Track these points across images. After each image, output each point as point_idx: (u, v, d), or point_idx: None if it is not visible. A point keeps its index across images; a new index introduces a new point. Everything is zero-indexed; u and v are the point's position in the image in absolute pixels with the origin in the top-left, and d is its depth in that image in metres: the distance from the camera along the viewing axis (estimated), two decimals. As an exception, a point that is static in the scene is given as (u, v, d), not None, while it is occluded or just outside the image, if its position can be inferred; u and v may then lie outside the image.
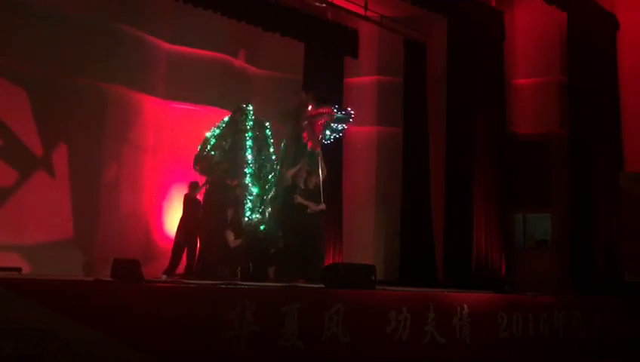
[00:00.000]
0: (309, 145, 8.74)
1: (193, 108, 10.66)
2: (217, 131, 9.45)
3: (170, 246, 9.60)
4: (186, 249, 9.31)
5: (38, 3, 9.55)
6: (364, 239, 11.80)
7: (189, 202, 9.41)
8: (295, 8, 11.45)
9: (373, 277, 5.99)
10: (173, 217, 9.91)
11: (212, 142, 9.39)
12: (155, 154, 10.72)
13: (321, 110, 8.83)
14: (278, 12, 11.30)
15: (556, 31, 11.11)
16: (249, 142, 9.33)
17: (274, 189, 9.13)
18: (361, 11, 11.23)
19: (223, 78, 11.49)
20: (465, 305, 6.09)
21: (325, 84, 11.21)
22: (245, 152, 9.27)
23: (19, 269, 7.64)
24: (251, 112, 9.38)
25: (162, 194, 10.63)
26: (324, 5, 11.24)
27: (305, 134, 8.74)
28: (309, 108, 8.98)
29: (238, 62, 12.05)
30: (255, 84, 12.04)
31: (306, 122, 8.82)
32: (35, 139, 9.63)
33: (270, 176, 9.41)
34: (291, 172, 8.84)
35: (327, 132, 9.01)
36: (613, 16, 10.87)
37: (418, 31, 12.11)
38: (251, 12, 11.05)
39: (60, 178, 9.80)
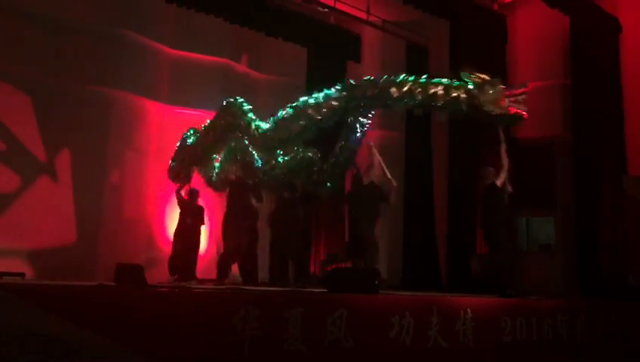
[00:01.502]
0: (524, 114, 7.80)
1: (196, 113, 10.68)
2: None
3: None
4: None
5: (42, 10, 9.61)
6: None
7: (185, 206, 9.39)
8: (298, 13, 11.48)
9: (376, 282, 5.98)
10: (176, 222, 9.90)
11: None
12: (159, 159, 10.73)
13: (516, 91, 8.19)
14: (281, 17, 11.33)
15: (559, 34, 11.11)
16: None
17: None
18: (364, 16, 11.26)
19: (225, 82, 11.52)
20: (468, 309, 6.08)
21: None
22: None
23: (22, 274, 7.66)
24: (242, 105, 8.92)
25: (166, 199, 10.65)
26: (326, 10, 11.26)
27: (513, 109, 7.68)
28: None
29: (241, 67, 12.10)
30: (258, 89, 12.08)
31: (511, 99, 7.74)
32: (39, 144, 9.68)
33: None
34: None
35: None
36: (615, 19, 10.87)
37: (420, 35, 12.11)
38: (254, 17, 11.09)
39: (63, 183, 9.84)
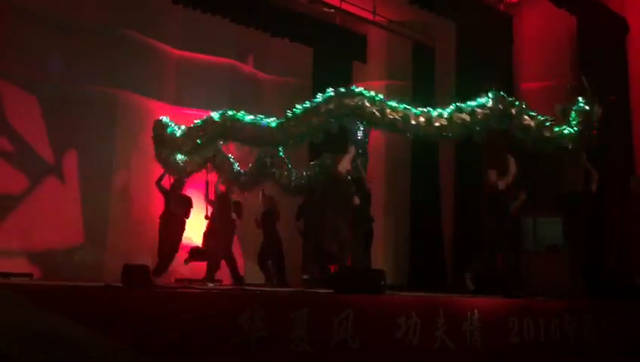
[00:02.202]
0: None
1: (203, 113, 10.69)
2: None
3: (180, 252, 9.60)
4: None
5: (49, 11, 9.66)
6: (373, 244, 11.75)
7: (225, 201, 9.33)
8: (304, 14, 11.48)
9: (382, 282, 5.97)
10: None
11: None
12: (165, 159, 10.75)
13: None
14: (287, 17, 11.34)
15: (566, 34, 11.05)
16: None
17: None
18: (370, 16, 11.25)
19: (232, 83, 11.55)
20: (475, 310, 6.05)
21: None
22: None
23: (30, 275, 7.70)
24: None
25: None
26: (332, 10, 11.25)
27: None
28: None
29: (247, 68, 12.11)
30: (264, 90, 12.10)
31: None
32: (46, 145, 9.73)
33: None
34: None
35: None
36: (622, 19, 10.81)
37: (426, 35, 12.10)
38: (260, 18, 11.10)
39: (70, 184, 9.88)
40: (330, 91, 7.58)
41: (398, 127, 7.47)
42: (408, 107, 7.51)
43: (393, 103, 7.48)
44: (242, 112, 8.11)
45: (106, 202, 10.12)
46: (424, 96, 11.92)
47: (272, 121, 7.94)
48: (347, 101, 7.45)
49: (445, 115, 7.50)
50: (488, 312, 6.20)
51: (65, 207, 9.70)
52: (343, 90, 7.63)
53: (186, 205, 9.48)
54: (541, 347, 6.57)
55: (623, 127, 10.45)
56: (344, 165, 8.16)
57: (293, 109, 7.77)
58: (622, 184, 10.10)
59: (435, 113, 7.49)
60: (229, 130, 8.12)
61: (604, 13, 10.56)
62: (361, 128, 8.78)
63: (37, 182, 9.59)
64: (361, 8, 11.14)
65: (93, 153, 10.04)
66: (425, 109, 7.52)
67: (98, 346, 4.06)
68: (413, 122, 7.44)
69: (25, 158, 9.49)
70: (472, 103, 7.58)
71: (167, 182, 9.46)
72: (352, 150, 8.25)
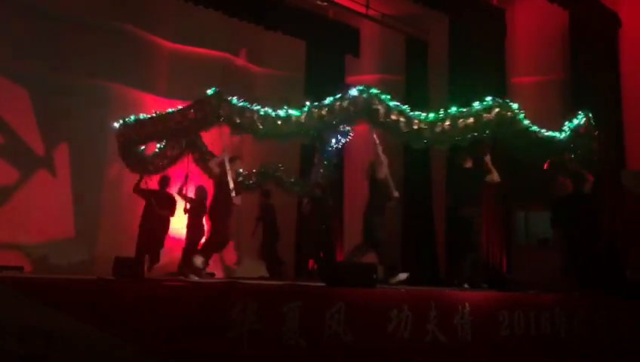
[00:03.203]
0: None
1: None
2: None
3: (171, 245, 9.60)
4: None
5: (40, 3, 9.60)
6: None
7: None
8: (297, 7, 11.45)
9: (374, 276, 5.99)
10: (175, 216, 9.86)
11: None
12: (157, 152, 10.71)
13: None
14: (280, 11, 11.30)
15: (558, 29, 11.09)
16: None
17: None
18: (363, 10, 11.24)
19: (224, 76, 11.50)
20: (466, 304, 6.08)
21: (327, 83, 11.21)
22: None
23: (21, 268, 7.67)
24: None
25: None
26: (325, 4, 11.23)
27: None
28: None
29: (240, 61, 12.08)
30: (256, 83, 12.07)
31: None
32: (37, 138, 9.69)
33: None
34: None
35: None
36: (615, 14, 10.85)
37: (419, 29, 12.10)
38: (253, 11, 11.06)
39: (61, 177, 9.85)
40: (490, 100, 7.27)
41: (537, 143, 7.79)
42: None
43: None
44: (385, 95, 7.15)
45: (98, 195, 10.09)
46: (417, 90, 11.97)
47: (422, 115, 7.30)
48: (506, 113, 7.32)
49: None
50: (479, 306, 6.22)
51: (56, 200, 9.66)
52: (500, 100, 7.34)
53: (172, 204, 9.43)
54: (532, 341, 6.61)
55: (614, 121, 10.49)
56: (213, 166, 8.00)
57: (448, 110, 7.28)
58: (613, 178, 10.14)
59: None
60: (374, 111, 7.04)
61: (596, 8, 10.59)
62: (339, 140, 9.19)
63: (28, 175, 9.55)
64: (355, 2, 11.12)
65: (84, 146, 10.00)
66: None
67: (90, 339, 4.05)
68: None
69: (16, 151, 9.45)
70: (570, 125, 8.04)
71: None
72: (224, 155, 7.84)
